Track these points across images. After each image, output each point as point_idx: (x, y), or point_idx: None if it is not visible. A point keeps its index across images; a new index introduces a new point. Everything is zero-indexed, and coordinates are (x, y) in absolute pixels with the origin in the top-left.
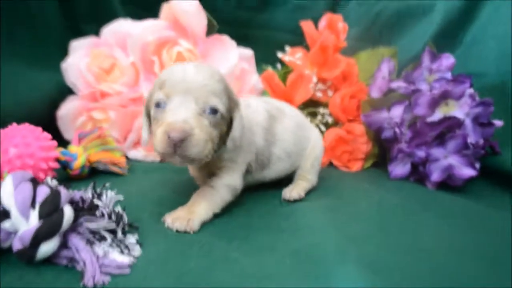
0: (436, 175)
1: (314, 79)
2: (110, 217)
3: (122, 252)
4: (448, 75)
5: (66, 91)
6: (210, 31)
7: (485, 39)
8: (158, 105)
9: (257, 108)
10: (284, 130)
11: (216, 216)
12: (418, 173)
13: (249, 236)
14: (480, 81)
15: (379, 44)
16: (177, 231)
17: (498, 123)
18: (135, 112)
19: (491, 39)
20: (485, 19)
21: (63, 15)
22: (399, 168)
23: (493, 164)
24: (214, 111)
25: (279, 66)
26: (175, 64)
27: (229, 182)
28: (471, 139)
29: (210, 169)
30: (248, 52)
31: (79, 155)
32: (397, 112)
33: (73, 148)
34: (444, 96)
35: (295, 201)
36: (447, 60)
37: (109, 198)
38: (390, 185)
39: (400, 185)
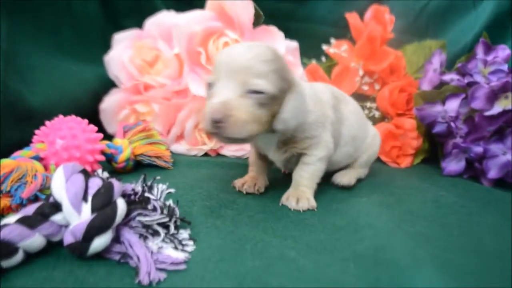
0: (493, 172)
1: (361, 72)
2: (162, 211)
3: (176, 247)
4: (505, 67)
5: (109, 85)
6: (257, 22)
7: None
8: (208, 86)
9: (322, 89)
10: (349, 112)
11: (266, 211)
12: (473, 170)
13: (303, 235)
14: None
15: (426, 37)
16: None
17: None
18: (179, 104)
19: None
20: None
21: (104, 10)
22: (453, 164)
23: None
24: (258, 92)
25: (323, 59)
26: (231, 47)
27: (321, 155)
28: None
29: (295, 152)
30: (293, 44)
31: (125, 148)
32: (452, 105)
33: (118, 141)
34: (504, 89)
35: (343, 187)
36: (503, 51)
37: (160, 190)
38: (444, 182)
39: (454, 182)
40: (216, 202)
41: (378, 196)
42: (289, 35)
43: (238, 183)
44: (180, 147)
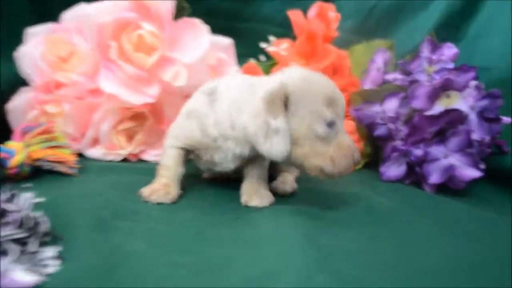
0: (435, 177)
1: None
2: (21, 224)
3: (30, 269)
4: (450, 66)
5: (22, 84)
6: (181, 14)
7: (490, 32)
8: (330, 125)
9: None
10: None
11: (170, 222)
12: (415, 175)
13: (204, 249)
14: (485, 76)
15: (376, 37)
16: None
17: (507, 119)
18: (93, 104)
19: (497, 32)
20: (490, 11)
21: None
22: (393, 169)
23: (499, 165)
24: None
25: (262, 58)
26: (327, 79)
27: None
28: (475, 136)
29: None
30: (227, 41)
31: (18, 152)
32: (391, 105)
33: (12, 144)
34: (446, 87)
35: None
36: (450, 50)
37: (24, 200)
38: (383, 188)
39: (394, 188)
40: (111, 212)
41: (305, 205)
42: (235, 34)
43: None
44: (97, 152)
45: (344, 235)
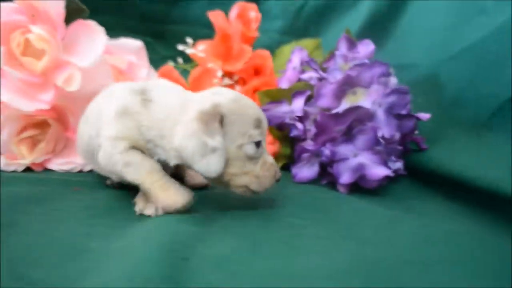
0: (345, 177)
1: (219, 73)
2: None
3: None
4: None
5: None
6: (78, 16)
7: (414, 29)
8: (258, 144)
9: None
10: None
11: None
12: (331, 175)
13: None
14: (411, 73)
15: (306, 37)
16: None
17: (424, 116)
18: None
19: (421, 29)
20: (415, 8)
21: None
22: (305, 170)
23: (418, 162)
24: None
25: (180, 60)
26: (247, 99)
27: None
28: (384, 133)
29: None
30: (137, 44)
31: None
32: (298, 104)
33: None
34: (350, 84)
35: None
36: (367, 47)
37: None
38: (292, 190)
39: (304, 190)
40: None
41: (190, 214)
42: (162, 37)
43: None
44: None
45: (228, 242)
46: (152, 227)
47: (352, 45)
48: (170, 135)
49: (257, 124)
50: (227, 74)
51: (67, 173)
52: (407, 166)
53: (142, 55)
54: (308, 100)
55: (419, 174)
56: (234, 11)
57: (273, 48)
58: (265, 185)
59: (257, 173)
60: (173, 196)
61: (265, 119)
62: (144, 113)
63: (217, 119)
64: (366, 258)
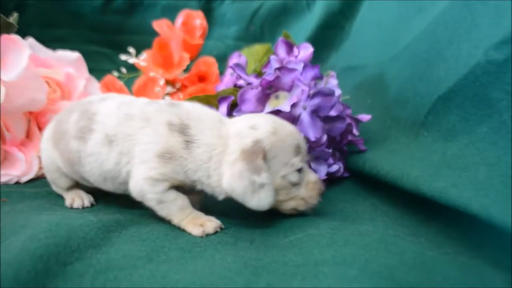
0: None
1: (162, 82)
2: None
3: None
4: (300, 66)
5: None
6: (6, 31)
7: (365, 28)
8: (300, 170)
9: None
10: None
11: None
12: None
13: None
14: (362, 74)
15: (264, 42)
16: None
17: (365, 117)
18: None
19: (370, 27)
20: (364, 10)
21: None
22: None
23: (356, 164)
24: None
25: (124, 70)
26: (291, 126)
27: None
28: (309, 136)
29: None
30: (74, 55)
31: None
32: (222, 109)
33: None
34: (274, 88)
35: None
36: (306, 50)
37: None
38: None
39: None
40: None
41: (102, 220)
42: (118, 47)
43: (196, 232)
44: None
45: (124, 249)
46: (47, 228)
47: (290, 48)
48: (216, 174)
49: (297, 151)
50: (171, 82)
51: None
52: (351, 167)
53: (80, 67)
54: None
55: (358, 176)
56: (179, 19)
57: (228, 55)
58: (312, 205)
59: (303, 195)
60: (201, 227)
61: (303, 141)
62: (188, 158)
63: (260, 156)
64: (247, 262)
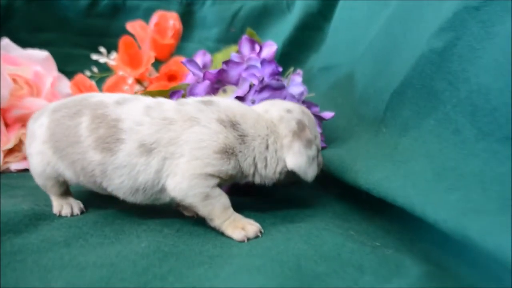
0: None
1: (130, 80)
2: None
3: None
4: (257, 63)
5: None
6: None
7: (339, 28)
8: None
9: None
10: None
11: None
12: None
13: None
14: (336, 74)
15: None
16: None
17: (328, 114)
18: None
19: (344, 27)
20: (340, 7)
21: None
22: None
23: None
24: None
25: (95, 69)
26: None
27: None
28: None
29: None
30: (43, 54)
31: None
32: None
33: None
34: (221, 82)
35: None
36: (270, 48)
37: None
38: None
39: None
40: None
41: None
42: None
43: (238, 236)
44: None
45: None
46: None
47: (253, 46)
48: (274, 162)
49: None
50: (138, 81)
51: None
52: None
53: (48, 65)
54: None
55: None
56: (153, 19)
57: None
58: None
59: (319, 161)
60: (242, 231)
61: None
62: (246, 152)
63: (307, 131)
64: (159, 248)
